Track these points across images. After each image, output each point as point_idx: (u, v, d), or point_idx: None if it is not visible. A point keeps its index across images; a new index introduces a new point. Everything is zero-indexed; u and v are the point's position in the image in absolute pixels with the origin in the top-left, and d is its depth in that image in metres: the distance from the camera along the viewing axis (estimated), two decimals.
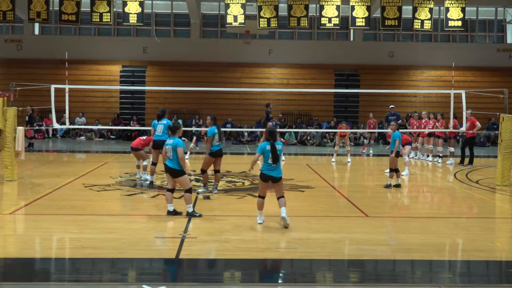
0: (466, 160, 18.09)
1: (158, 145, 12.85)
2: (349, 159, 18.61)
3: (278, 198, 9.20)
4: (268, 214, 9.53)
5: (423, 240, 8.45)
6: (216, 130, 11.90)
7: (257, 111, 28.68)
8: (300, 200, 11.81)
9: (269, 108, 24.23)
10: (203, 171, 12.15)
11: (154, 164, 13.14)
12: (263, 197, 9.24)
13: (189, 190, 9.65)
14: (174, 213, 9.74)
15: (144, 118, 28.89)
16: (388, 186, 13.20)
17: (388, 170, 15.94)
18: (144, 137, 14.22)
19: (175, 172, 9.58)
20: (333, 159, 18.78)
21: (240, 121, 28.51)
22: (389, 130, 14.72)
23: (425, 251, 7.90)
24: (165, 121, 13.00)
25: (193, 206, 10.76)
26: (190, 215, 9.60)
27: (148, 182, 13.32)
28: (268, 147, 9.03)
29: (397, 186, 13.22)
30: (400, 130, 19.16)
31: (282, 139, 24.74)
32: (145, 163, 13.84)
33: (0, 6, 20.90)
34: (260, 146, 9.22)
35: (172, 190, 9.80)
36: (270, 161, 9.01)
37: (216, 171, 12.14)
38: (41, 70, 28.10)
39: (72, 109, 18.25)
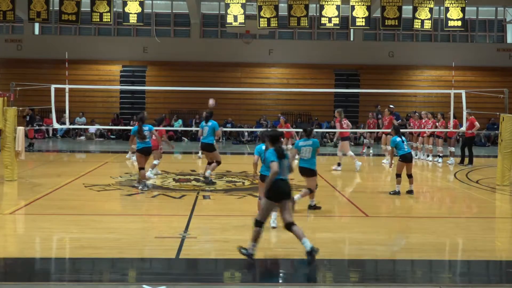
0: (466, 160, 18.09)
1: (144, 151, 12.51)
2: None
3: None
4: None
5: (423, 240, 8.45)
6: None
7: (257, 111, 28.71)
8: (300, 200, 11.79)
9: (378, 109, 24.09)
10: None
11: (142, 168, 12.59)
12: None
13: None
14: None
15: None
16: (395, 193, 12.37)
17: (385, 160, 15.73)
18: (154, 137, 14.19)
19: (308, 171, 10.18)
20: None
21: (240, 121, 28.51)
22: (388, 130, 14.67)
23: (425, 251, 7.90)
24: (147, 127, 12.61)
25: (193, 206, 10.78)
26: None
27: (150, 180, 13.29)
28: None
29: (410, 192, 12.42)
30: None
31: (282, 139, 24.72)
32: (155, 162, 13.98)
33: (0, 6, 20.89)
34: (256, 148, 9.07)
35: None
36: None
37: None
38: (41, 70, 28.11)
39: (72, 109, 18.26)
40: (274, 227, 8.97)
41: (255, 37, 27.92)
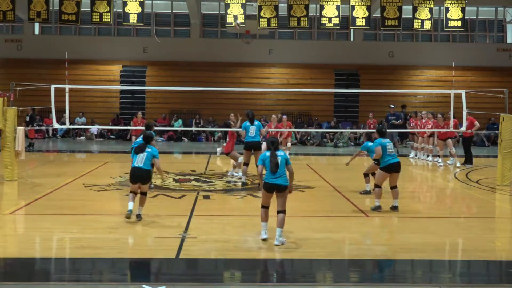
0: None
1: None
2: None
3: (278, 212, 8.21)
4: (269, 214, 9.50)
5: (423, 240, 8.45)
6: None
7: (257, 111, 28.65)
8: (300, 200, 11.81)
9: (405, 109, 23.85)
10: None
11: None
12: (267, 207, 8.34)
13: None
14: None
15: (144, 118, 28.83)
16: (366, 192, 12.36)
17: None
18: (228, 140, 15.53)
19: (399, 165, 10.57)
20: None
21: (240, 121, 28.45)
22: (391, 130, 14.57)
23: (425, 251, 7.90)
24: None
25: (193, 206, 10.78)
26: None
27: (238, 177, 14.37)
28: (268, 154, 8.46)
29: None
30: (399, 130, 19.16)
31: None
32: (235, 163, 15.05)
33: (0, 6, 20.90)
34: (260, 157, 8.61)
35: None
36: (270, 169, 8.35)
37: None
38: (41, 70, 28.05)
39: (72, 109, 18.22)
40: (265, 239, 8.87)
41: (255, 37, 27.91)
